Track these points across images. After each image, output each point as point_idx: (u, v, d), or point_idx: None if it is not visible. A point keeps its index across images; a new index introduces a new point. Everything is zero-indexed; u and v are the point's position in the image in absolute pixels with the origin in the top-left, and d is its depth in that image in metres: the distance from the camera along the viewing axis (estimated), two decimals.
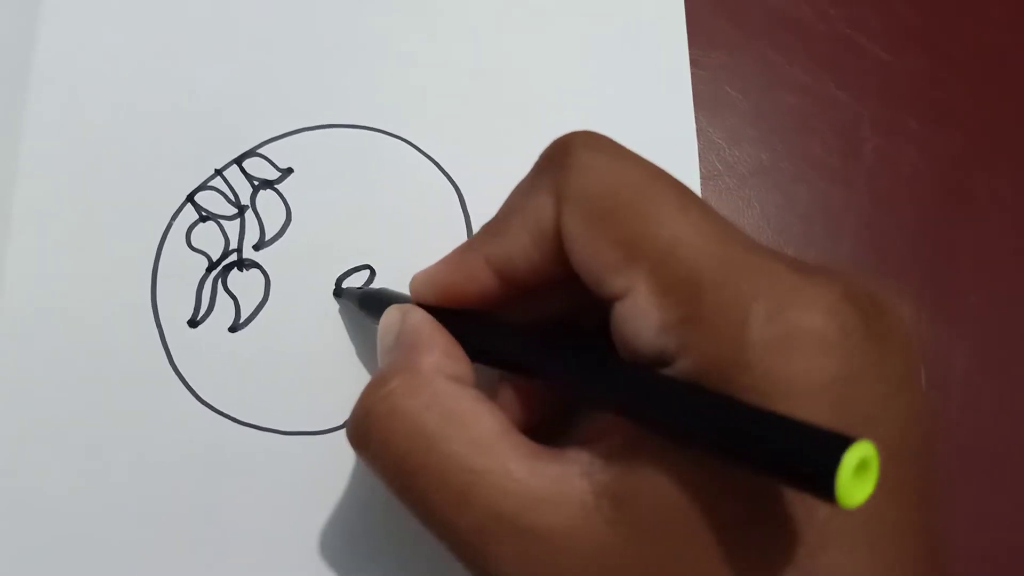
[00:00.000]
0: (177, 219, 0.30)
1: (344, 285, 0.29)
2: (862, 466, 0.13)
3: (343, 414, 0.28)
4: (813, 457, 0.13)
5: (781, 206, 0.32)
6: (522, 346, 0.20)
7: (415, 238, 0.30)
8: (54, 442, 0.28)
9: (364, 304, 0.26)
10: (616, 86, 0.32)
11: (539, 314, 0.22)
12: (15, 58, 0.32)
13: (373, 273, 0.30)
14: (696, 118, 0.32)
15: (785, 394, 0.15)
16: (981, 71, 0.34)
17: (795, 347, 0.16)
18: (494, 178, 0.31)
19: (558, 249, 0.19)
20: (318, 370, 0.29)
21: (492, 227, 0.21)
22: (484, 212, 0.30)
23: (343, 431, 0.28)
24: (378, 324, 0.23)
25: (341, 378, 0.28)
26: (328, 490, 0.27)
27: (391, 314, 0.23)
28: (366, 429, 0.20)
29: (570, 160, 0.19)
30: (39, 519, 0.27)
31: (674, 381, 0.16)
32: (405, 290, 0.29)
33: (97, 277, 0.29)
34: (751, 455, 0.14)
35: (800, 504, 0.16)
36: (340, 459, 0.28)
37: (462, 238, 0.30)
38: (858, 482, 0.13)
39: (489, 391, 0.21)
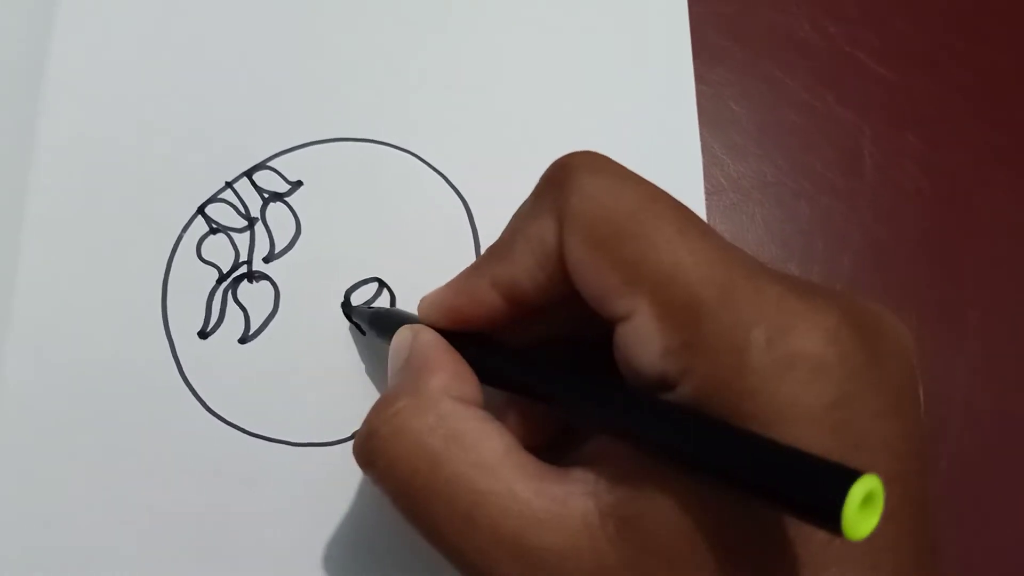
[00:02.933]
0: (188, 231, 0.30)
1: (353, 304, 0.29)
2: (867, 499, 0.13)
3: (353, 425, 0.28)
4: (819, 490, 0.13)
5: (783, 221, 0.33)
6: (527, 371, 0.20)
7: (423, 251, 0.30)
8: (65, 453, 0.28)
9: (374, 324, 0.26)
10: (622, 101, 0.33)
11: (545, 332, 0.22)
12: (27, 72, 0.32)
13: (382, 285, 0.30)
14: (700, 133, 0.33)
15: (786, 419, 0.16)
16: (981, 88, 0.35)
17: (795, 372, 0.16)
18: (501, 192, 0.31)
19: (562, 270, 0.19)
20: (328, 381, 0.29)
21: (497, 250, 0.22)
22: (492, 225, 0.31)
23: (351, 443, 0.28)
24: (388, 343, 0.23)
25: (351, 390, 0.29)
26: (338, 502, 0.28)
27: (402, 334, 0.23)
28: (372, 449, 0.20)
29: (570, 182, 0.19)
30: (50, 530, 0.27)
31: (677, 409, 0.17)
32: (414, 306, 0.30)
33: (108, 288, 0.30)
34: (755, 485, 0.14)
35: (800, 526, 0.16)
36: (350, 471, 0.28)
37: (470, 251, 0.31)
38: (863, 514, 0.13)
39: (497, 411, 0.21)
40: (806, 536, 0.16)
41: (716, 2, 0.35)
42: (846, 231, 0.33)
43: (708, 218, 0.32)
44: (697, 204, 0.32)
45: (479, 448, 0.19)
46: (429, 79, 0.33)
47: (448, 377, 0.21)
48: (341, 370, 0.29)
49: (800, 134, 0.34)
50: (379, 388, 0.29)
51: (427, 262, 0.30)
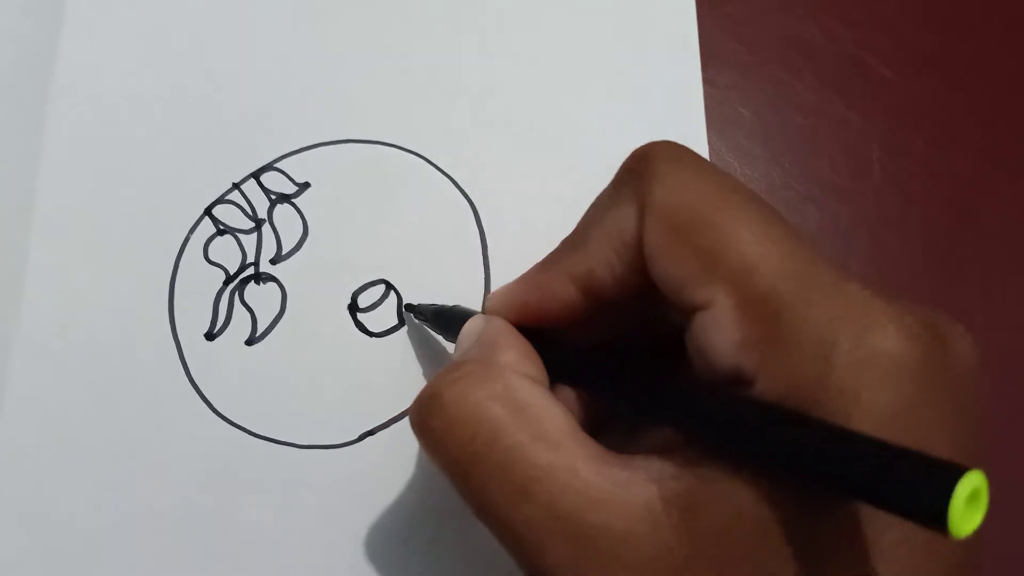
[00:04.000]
0: (195, 232, 0.30)
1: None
2: (973, 496, 0.13)
3: (359, 428, 0.28)
4: (927, 488, 0.13)
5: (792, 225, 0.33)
6: (600, 370, 0.20)
7: (430, 253, 0.30)
8: (72, 453, 0.28)
9: (438, 320, 0.26)
10: (630, 104, 0.33)
11: (614, 331, 0.22)
12: (35, 73, 0.32)
13: (389, 287, 0.30)
14: (708, 136, 0.33)
15: (868, 418, 0.15)
16: (988, 92, 0.35)
17: (880, 371, 0.16)
18: (508, 194, 0.31)
19: (640, 261, 0.19)
20: (334, 384, 0.29)
21: (572, 241, 0.21)
22: (498, 227, 0.31)
23: (358, 445, 0.28)
24: (451, 338, 0.23)
25: (357, 392, 0.29)
26: (344, 504, 0.28)
27: (475, 322, 0.22)
28: (431, 411, 0.19)
29: (652, 171, 0.19)
30: (57, 530, 0.27)
31: (768, 405, 0.16)
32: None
33: (115, 290, 0.29)
34: (856, 484, 0.14)
35: (871, 522, 0.16)
36: (356, 473, 0.28)
37: (477, 253, 0.31)
38: (968, 512, 0.13)
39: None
40: (876, 535, 0.16)
41: (724, 5, 0.35)
42: (854, 234, 0.33)
43: None
44: None
45: (543, 422, 0.18)
46: (437, 81, 0.33)
47: (517, 356, 0.20)
48: (348, 372, 0.29)
49: (808, 137, 0.34)
50: (386, 391, 0.29)
51: (434, 264, 0.30)
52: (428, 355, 0.29)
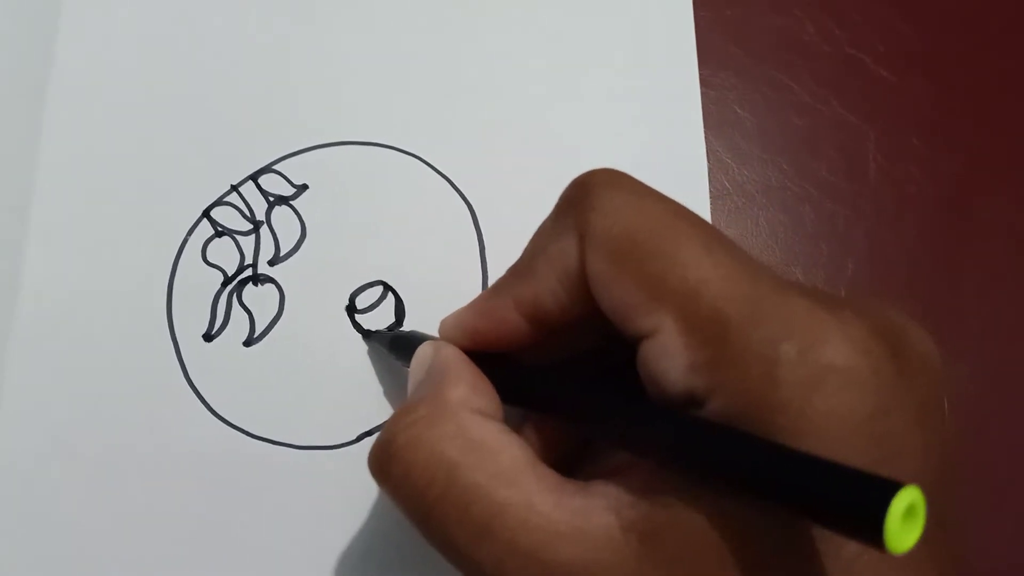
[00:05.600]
0: (193, 234, 0.30)
1: (372, 328, 0.29)
2: (909, 511, 0.13)
3: (357, 429, 0.28)
4: (860, 503, 0.13)
5: (788, 226, 0.33)
6: (550, 389, 0.20)
7: (428, 254, 0.31)
8: (69, 454, 0.28)
9: (395, 346, 0.26)
10: (627, 106, 0.33)
11: (566, 351, 0.22)
12: (32, 76, 0.32)
13: (387, 289, 0.30)
14: (705, 137, 0.33)
15: (818, 433, 0.16)
16: (984, 92, 0.35)
17: (827, 386, 0.16)
18: (506, 195, 0.31)
19: (585, 289, 0.19)
20: (332, 385, 0.29)
21: (518, 270, 0.21)
22: (496, 229, 0.31)
23: (356, 446, 0.28)
24: (407, 365, 0.23)
25: (355, 393, 0.29)
26: (341, 505, 0.28)
27: (424, 350, 0.23)
28: (388, 458, 0.20)
29: (591, 200, 0.19)
30: (54, 530, 0.27)
31: (711, 424, 0.16)
32: (420, 309, 0.30)
33: (113, 291, 0.30)
34: (794, 501, 0.14)
35: (828, 539, 0.16)
36: (353, 474, 0.28)
37: (474, 255, 0.31)
38: (906, 527, 0.13)
39: (513, 427, 0.21)
40: (835, 548, 0.16)
41: (721, 6, 0.35)
42: (850, 235, 0.33)
43: (712, 222, 0.32)
44: (702, 208, 0.32)
45: (498, 458, 0.18)
46: (434, 83, 0.33)
47: (468, 389, 0.20)
48: (345, 373, 0.29)
49: (804, 138, 0.34)
50: (384, 391, 0.29)
51: (432, 265, 0.30)
52: None
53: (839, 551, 0.16)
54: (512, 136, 0.32)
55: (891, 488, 0.13)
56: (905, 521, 0.13)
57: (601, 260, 0.19)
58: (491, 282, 0.23)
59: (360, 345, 0.29)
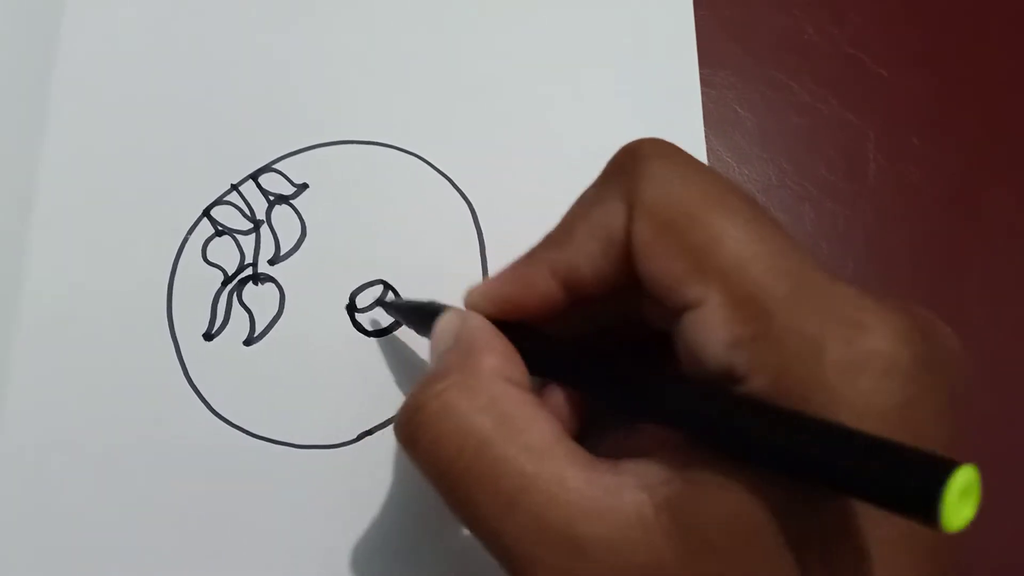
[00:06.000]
0: (193, 233, 0.30)
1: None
2: (965, 490, 0.13)
3: (357, 428, 0.28)
4: (918, 481, 0.13)
5: (788, 224, 0.33)
6: (585, 362, 0.20)
7: (428, 253, 0.30)
8: (70, 453, 0.28)
9: (414, 315, 0.26)
10: (627, 104, 0.33)
11: (591, 327, 0.22)
12: (34, 74, 0.32)
13: (387, 288, 0.30)
14: (705, 137, 0.33)
15: (858, 416, 0.15)
16: (983, 90, 0.35)
17: (869, 370, 0.16)
18: (506, 194, 0.31)
19: (625, 258, 0.19)
20: (332, 384, 0.29)
21: (556, 236, 0.21)
22: (496, 227, 0.31)
23: (356, 445, 0.28)
24: (429, 334, 0.23)
25: (355, 392, 0.29)
26: (342, 504, 0.28)
27: (449, 318, 0.22)
28: (417, 425, 0.19)
29: (641, 168, 0.19)
30: (54, 531, 0.27)
31: (759, 401, 0.16)
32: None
33: (114, 290, 0.30)
34: (847, 479, 0.14)
35: (864, 519, 0.16)
36: (354, 473, 0.28)
37: (475, 253, 0.31)
38: (961, 505, 0.13)
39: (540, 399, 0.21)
40: (869, 529, 0.16)
41: (721, 6, 0.35)
42: (850, 234, 0.33)
43: None
44: None
45: (530, 431, 0.18)
46: (434, 81, 0.33)
47: (500, 359, 0.20)
48: (346, 372, 0.29)
49: (804, 137, 0.34)
50: (384, 391, 0.29)
51: (432, 264, 0.30)
52: (426, 356, 0.29)
53: (874, 533, 0.16)
54: (513, 135, 0.32)
55: (950, 466, 0.13)
56: (960, 500, 0.13)
57: (648, 228, 0.18)
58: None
59: (361, 344, 0.29)
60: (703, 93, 0.33)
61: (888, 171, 0.34)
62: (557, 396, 0.21)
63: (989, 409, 0.31)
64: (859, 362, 0.16)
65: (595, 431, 0.21)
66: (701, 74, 0.33)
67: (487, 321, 0.21)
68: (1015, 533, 0.30)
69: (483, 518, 0.18)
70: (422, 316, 0.24)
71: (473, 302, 0.22)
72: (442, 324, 0.22)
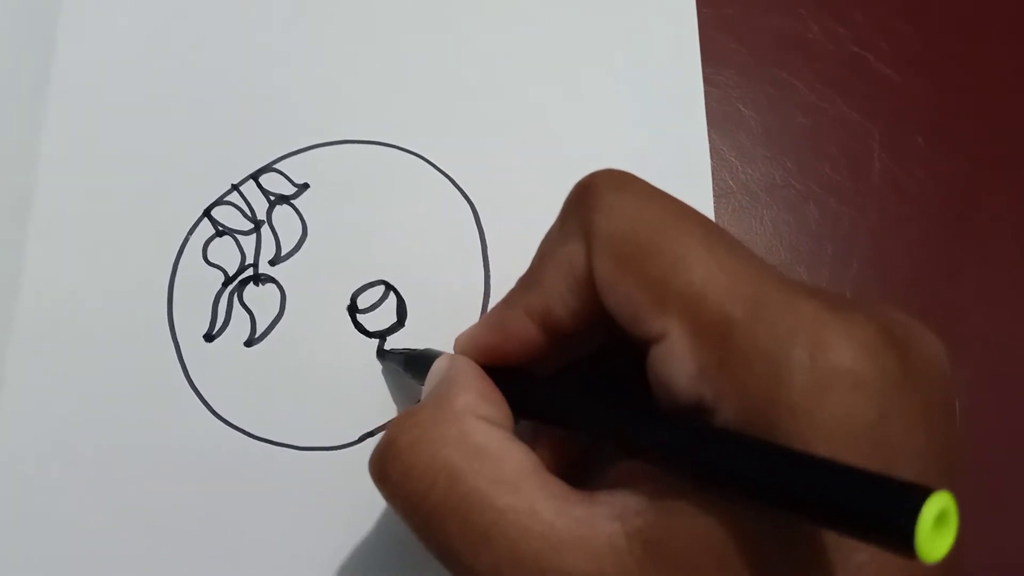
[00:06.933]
0: (194, 234, 0.30)
1: (387, 348, 0.29)
2: (940, 518, 0.12)
3: (358, 430, 0.28)
4: (890, 511, 0.13)
5: (792, 225, 0.33)
6: (559, 399, 0.20)
7: (430, 253, 0.30)
8: (69, 454, 0.28)
9: (410, 365, 0.26)
10: (631, 104, 0.33)
11: (579, 356, 0.22)
12: (33, 75, 0.32)
13: (388, 288, 0.30)
14: (709, 136, 0.32)
15: (827, 437, 0.15)
16: (988, 91, 0.35)
17: (835, 389, 0.16)
18: (508, 194, 0.31)
19: (594, 294, 0.19)
20: (333, 385, 0.29)
21: (527, 280, 0.21)
22: (498, 227, 0.31)
23: (358, 447, 0.28)
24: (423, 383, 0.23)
25: (356, 393, 0.29)
26: (343, 505, 0.27)
27: (439, 363, 0.22)
28: (388, 459, 0.19)
29: (595, 202, 0.19)
30: (54, 530, 0.27)
31: (724, 431, 0.16)
32: (419, 309, 0.29)
33: (114, 291, 0.29)
34: (816, 509, 0.14)
35: (837, 547, 0.16)
36: (355, 475, 0.28)
37: (476, 253, 0.30)
38: (937, 535, 0.12)
39: (527, 443, 0.21)
40: (844, 556, 0.16)
41: (724, 5, 0.35)
42: (854, 234, 0.33)
43: (716, 220, 0.32)
44: (706, 207, 0.32)
45: (501, 464, 0.18)
46: (435, 81, 0.33)
47: (475, 396, 0.20)
48: (347, 373, 0.29)
49: (808, 137, 0.34)
50: (385, 392, 0.29)
51: (434, 264, 0.30)
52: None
53: (848, 558, 0.16)
54: (514, 135, 0.32)
55: (922, 494, 0.12)
56: (937, 528, 0.12)
57: (606, 263, 0.18)
58: (493, 281, 0.22)
59: (362, 345, 0.29)
60: (706, 92, 0.33)
61: (892, 171, 0.33)
62: (553, 434, 0.21)
63: (989, 409, 0.31)
64: (824, 381, 0.16)
65: (581, 463, 0.21)
66: (704, 73, 0.33)
67: (472, 363, 0.22)
68: (1015, 533, 0.30)
69: (456, 553, 0.18)
70: (419, 364, 0.25)
71: (461, 348, 0.23)
72: (433, 368, 0.22)
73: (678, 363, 0.17)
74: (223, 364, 0.29)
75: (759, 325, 0.16)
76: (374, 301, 0.30)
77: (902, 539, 0.12)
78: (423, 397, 0.23)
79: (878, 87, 0.34)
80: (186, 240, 0.30)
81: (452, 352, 0.23)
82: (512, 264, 0.23)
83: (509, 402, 0.21)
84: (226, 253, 0.30)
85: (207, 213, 0.31)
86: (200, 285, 0.30)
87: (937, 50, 0.35)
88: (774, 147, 0.33)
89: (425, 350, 0.26)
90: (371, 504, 0.28)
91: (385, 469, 0.19)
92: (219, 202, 0.31)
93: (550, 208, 0.21)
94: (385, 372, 0.29)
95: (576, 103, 0.33)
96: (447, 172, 0.31)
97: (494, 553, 0.17)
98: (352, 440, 0.28)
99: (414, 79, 0.33)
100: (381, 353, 0.29)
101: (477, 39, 0.33)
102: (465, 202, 0.31)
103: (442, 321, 0.23)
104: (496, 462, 0.18)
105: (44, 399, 0.28)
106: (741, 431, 0.16)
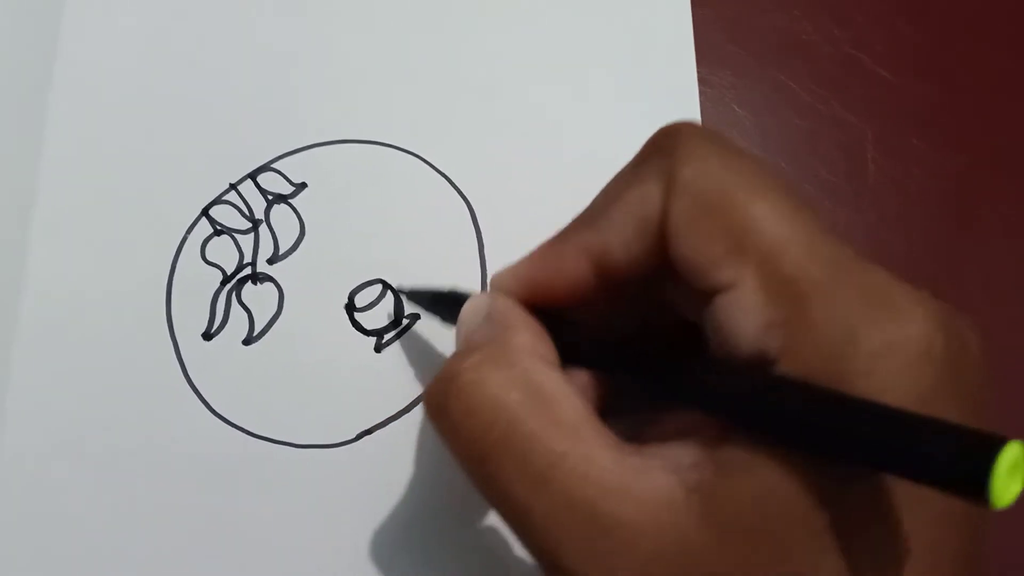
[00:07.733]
0: (192, 233, 0.30)
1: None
2: (1013, 466, 0.13)
3: (356, 428, 0.28)
4: (965, 458, 0.13)
5: None
6: (621, 352, 0.20)
7: (427, 253, 0.30)
8: (69, 453, 0.28)
9: (436, 305, 0.25)
10: (626, 104, 0.33)
11: (620, 311, 0.21)
12: (34, 75, 0.32)
13: (386, 287, 0.30)
14: None
15: (890, 400, 0.15)
16: (984, 92, 0.35)
17: (904, 356, 0.16)
18: (505, 193, 0.31)
19: (659, 240, 0.19)
20: (331, 384, 0.29)
21: (589, 217, 0.20)
22: (495, 227, 0.31)
23: (356, 444, 0.28)
24: (452, 320, 0.23)
25: (354, 392, 0.29)
26: (341, 504, 0.28)
27: (479, 299, 0.22)
28: (447, 396, 0.19)
29: (680, 148, 0.19)
30: (54, 529, 0.27)
31: (798, 381, 0.16)
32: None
33: (113, 290, 0.30)
34: (894, 459, 0.14)
35: (902, 502, 0.16)
36: (354, 473, 0.28)
37: (473, 253, 0.31)
38: (1010, 481, 0.13)
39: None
40: (909, 512, 0.16)
41: (719, 5, 0.35)
42: (850, 235, 0.33)
43: None
44: None
45: (561, 408, 0.18)
46: (433, 81, 0.33)
47: (532, 336, 0.20)
48: (345, 372, 0.29)
49: (803, 137, 0.34)
50: (383, 391, 0.29)
51: (431, 264, 0.30)
52: (427, 356, 0.29)
53: (909, 513, 0.16)
54: (511, 134, 0.32)
55: (999, 442, 0.13)
56: (1009, 476, 0.13)
57: (686, 209, 0.18)
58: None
59: (360, 343, 0.29)
60: (701, 93, 0.33)
61: (888, 172, 0.34)
62: (581, 380, 0.21)
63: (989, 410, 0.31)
64: (893, 346, 0.16)
65: (618, 413, 0.20)
66: (699, 74, 0.33)
67: (516, 302, 0.21)
68: (1015, 533, 0.30)
69: (512, 494, 0.17)
70: (446, 303, 0.24)
71: (500, 285, 0.22)
72: (470, 305, 0.22)
73: (746, 314, 0.17)
74: (221, 362, 0.29)
75: (835, 286, 0.16)
76: (372, 300, 0.30)
77: (977, 485, 0.13)
78: (460, 335, 0.22)
79: (874, 88, 0.35)
80: (184, 239, 0.30)
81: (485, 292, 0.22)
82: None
83: (554, 340, 0.20)
84: (224, 252, 0.30)
85: (205, 212, 0.31)
86: (198, 284, 0.30)
87: (933, 52, 0.35)
88: (769, 148, 0.34)
89: (453, 290, 0.25)
90: (369, 501, 0.28)
91: (444, 405, 0.19)
92: (217, 201, 0.31)
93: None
94: (384, 371, 0.29)
95: (572, 103, 0.33)
96: (444, 172, 0.32)
97: (551, 496, 0.17)
98: (350, 438, 0.28)
99: (411, 79, 0.33)
100: (404, 294, 0.29)
101: (474, 39, 0.33)
102: (462, 202, 0.31)
103: (493, 275, 0.22)
104: (555, 406, 0.18)
105: (44, 398, 0.28)
106: (811, 381, 0.16)
